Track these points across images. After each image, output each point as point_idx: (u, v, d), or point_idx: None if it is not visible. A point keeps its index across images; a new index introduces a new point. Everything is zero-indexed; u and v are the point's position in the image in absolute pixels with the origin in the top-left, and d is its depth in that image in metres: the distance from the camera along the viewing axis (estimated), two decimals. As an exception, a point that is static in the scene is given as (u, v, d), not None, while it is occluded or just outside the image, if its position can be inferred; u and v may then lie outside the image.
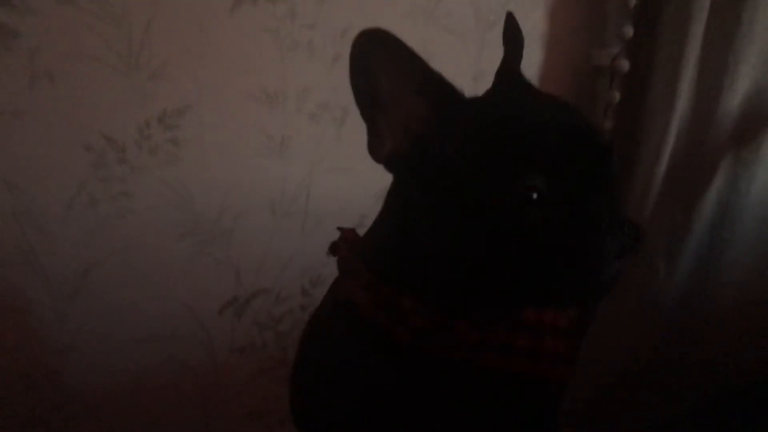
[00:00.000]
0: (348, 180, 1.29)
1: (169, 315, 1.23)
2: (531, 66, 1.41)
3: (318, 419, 0.77)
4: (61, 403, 1.19)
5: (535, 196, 0.56)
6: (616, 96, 1.39)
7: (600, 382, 1.51)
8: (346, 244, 0.75)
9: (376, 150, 0.64)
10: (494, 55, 1.36)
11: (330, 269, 1.32)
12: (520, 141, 0.58)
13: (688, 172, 1.36)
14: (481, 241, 0.59)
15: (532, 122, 0.59)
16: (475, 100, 0.64)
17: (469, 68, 1.34)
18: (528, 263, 0.58)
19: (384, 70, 0.59)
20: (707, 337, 1.42)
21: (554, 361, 0.69)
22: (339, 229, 0.78)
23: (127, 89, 1.08)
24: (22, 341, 1.14)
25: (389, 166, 0.65)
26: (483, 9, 1.30)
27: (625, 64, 1.35)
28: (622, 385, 1.49)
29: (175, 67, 1.10)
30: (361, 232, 0.78)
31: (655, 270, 1.41)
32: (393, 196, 0.71)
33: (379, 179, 0.70)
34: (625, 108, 1.41)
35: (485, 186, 0.58)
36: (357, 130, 0.64)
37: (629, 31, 1.33)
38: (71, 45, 1.02)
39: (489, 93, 0.69)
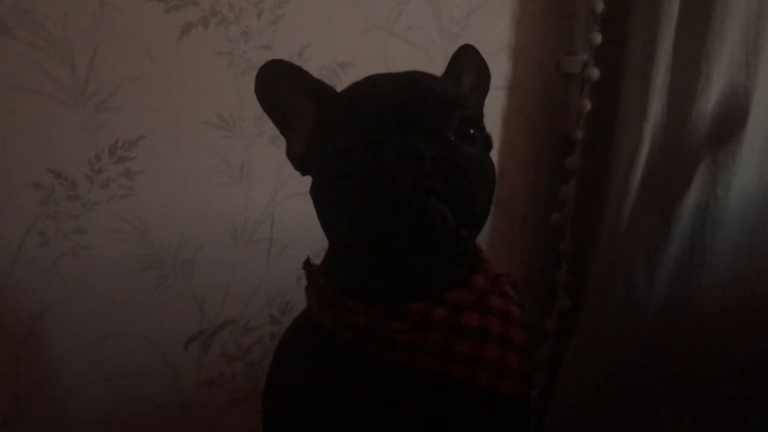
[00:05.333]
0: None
1: (132, 352, 1.19)
2: (500, 77, 1.37)
3: None
4: (22, 450, 1.15)
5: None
6: (587, 104, 1.35)
7: (581, 395, 1.47)
8: (318, 261, 0.79)
9: (291, 156, 0.78)
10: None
11: (298, 295, 1.29)
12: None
13: (664, 178, 1.33)
14: (329, 202, 0.68)
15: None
16: (339, 92, 0.73)
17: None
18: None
19: (283, 90, 0.74)
20: (690, 345, 1.39)
21: (500, 373, 0.68)
22: None
23: (74, 122, 1.04)
24: (-24, 389, 1.10)
25: (298, 167, 0.78)
26: (445, 21, 1.27)
27: (594, 72, 1.32)
28: (604, 398, 1.46)
29: (123, 97, 1.06)
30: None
31: (634, 279, 1.38)
32: None
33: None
34: (598, 116, 1.38)
35: (317, 153, 0.69)
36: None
37: (597, 37, 1.29)
38: (11, 79, 0.99)
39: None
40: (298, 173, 1.21)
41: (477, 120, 0.68)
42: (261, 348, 1.31)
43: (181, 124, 1.11)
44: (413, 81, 0.68)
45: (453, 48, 1.30)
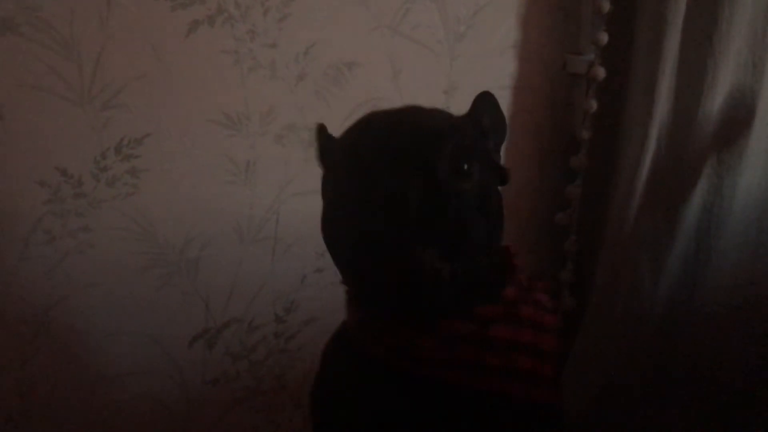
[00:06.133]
0: (319, 202, 1.24)
1: (137, 351, 1.19)
2: (506, 76, 1.37)
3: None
4: (26, 447, 1.15)
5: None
6: (593, 104, 1.35)
7: (586, 395, 1.47)
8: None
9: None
10: (465, 66, 1.32)
11: (303, 294, 1.30)
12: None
13: (670, 178, 1.32)
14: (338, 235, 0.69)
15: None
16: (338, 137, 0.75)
17: (440, 80, 1.30)
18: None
19: None
20: (696, 345, 1.39)
21: (534, 383, 0.68)
22: None
23: (80, 120, 1.04)
24: (-19, 386, 1.10)
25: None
26: (452, 20, 1.26)
27: (600, 72, 1.31)
28: (608, 397, 1.46)
29: (130, 95, 1.06)
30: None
31: (640, 279, 1.37)
32: None
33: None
34: (604, 116, 1.37)
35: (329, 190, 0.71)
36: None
37: (604, 37, 1.29)
38: (18, 77, 0.99)
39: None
40: (303, 172, 1.22)
41: (472, 150, 0.67)
42: (265, 347, 1.31)
43: (187, 122, 1.11)
44: (402, 117, 0.69)
45: (459, 47, 1.32)
